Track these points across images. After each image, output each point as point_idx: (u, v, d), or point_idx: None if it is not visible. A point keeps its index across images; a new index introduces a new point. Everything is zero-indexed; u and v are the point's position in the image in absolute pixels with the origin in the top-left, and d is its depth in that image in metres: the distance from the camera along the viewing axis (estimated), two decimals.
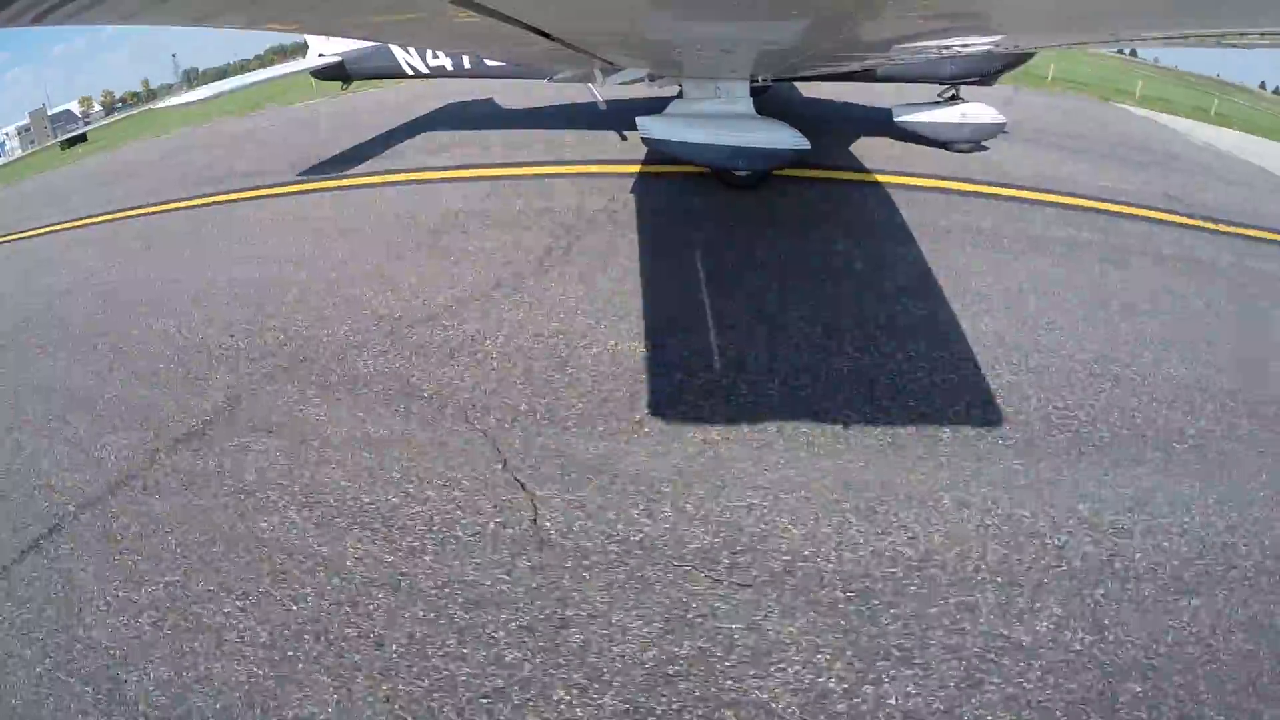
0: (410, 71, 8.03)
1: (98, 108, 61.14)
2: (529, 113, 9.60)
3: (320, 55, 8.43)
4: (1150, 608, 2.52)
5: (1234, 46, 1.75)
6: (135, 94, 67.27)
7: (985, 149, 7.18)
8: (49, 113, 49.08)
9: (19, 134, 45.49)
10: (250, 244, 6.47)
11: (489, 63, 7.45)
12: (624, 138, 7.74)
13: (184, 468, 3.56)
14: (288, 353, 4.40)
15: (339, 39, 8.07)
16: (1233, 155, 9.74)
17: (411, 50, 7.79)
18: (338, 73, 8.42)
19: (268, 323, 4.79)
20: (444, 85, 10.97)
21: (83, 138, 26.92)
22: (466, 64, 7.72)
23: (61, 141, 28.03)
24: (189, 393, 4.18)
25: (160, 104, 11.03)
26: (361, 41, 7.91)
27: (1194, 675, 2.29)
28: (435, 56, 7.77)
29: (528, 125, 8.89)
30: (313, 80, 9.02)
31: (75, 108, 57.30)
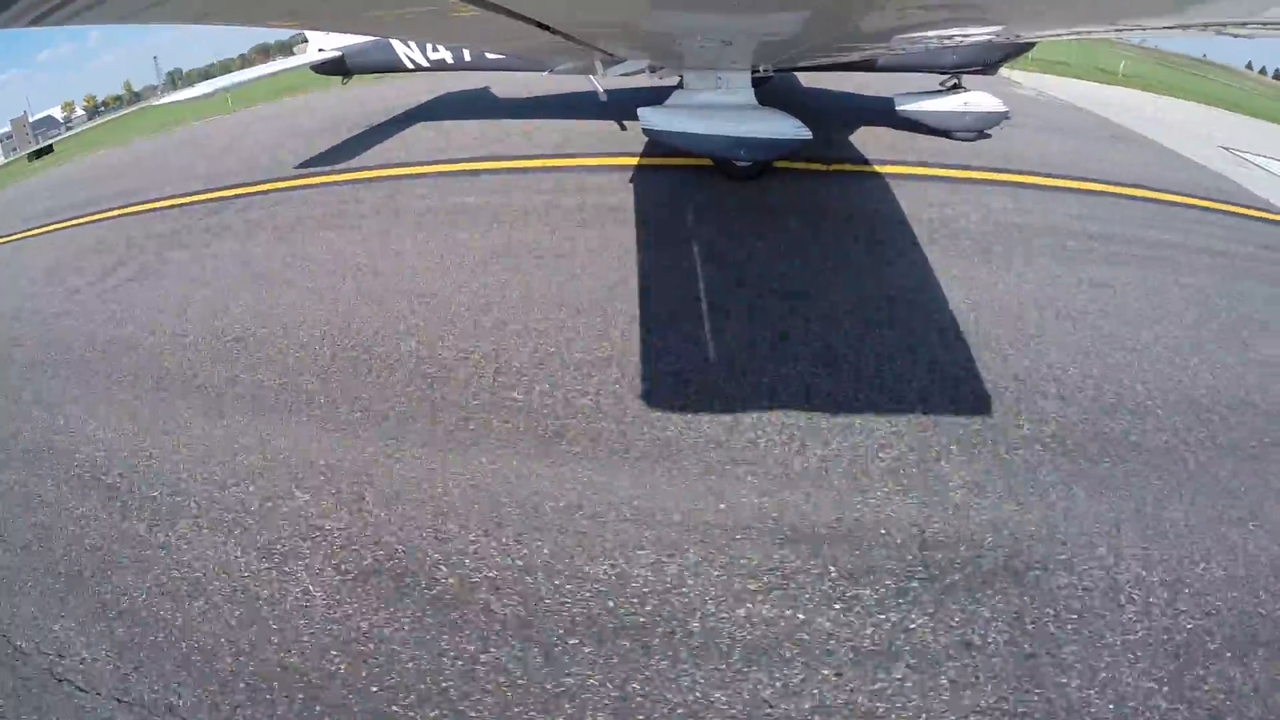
0: (410, 65, 8.02)
1: (80, 112, 60.05)
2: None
3: (320, 50, 8.42)
4: None
5: (1236, 36, 1.76)
6: (118, 97, 66.43)
7: (988, 136, 7.15)
8: (30, 119, 47.88)
9: (0, 142, 44.39)
10: None
11: (489, 56, 7.43)
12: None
13: None
14: None
15: (339, 34, 8.06)
16: (1071, 105, 10.31)
17: (412, 44, 7.77)
18: (338, 67, 8.41)
19: None
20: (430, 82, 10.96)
21: (49, 149, 26.25)
22: (467, 57, 7.70)
23: (29, 154, 27.21)
24: None
25: (167, 99, 10.97)
26: (362, 36, 7.89)
27: None
28: (435, 50, 7.74)
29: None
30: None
31: (58, 113, 56.42)
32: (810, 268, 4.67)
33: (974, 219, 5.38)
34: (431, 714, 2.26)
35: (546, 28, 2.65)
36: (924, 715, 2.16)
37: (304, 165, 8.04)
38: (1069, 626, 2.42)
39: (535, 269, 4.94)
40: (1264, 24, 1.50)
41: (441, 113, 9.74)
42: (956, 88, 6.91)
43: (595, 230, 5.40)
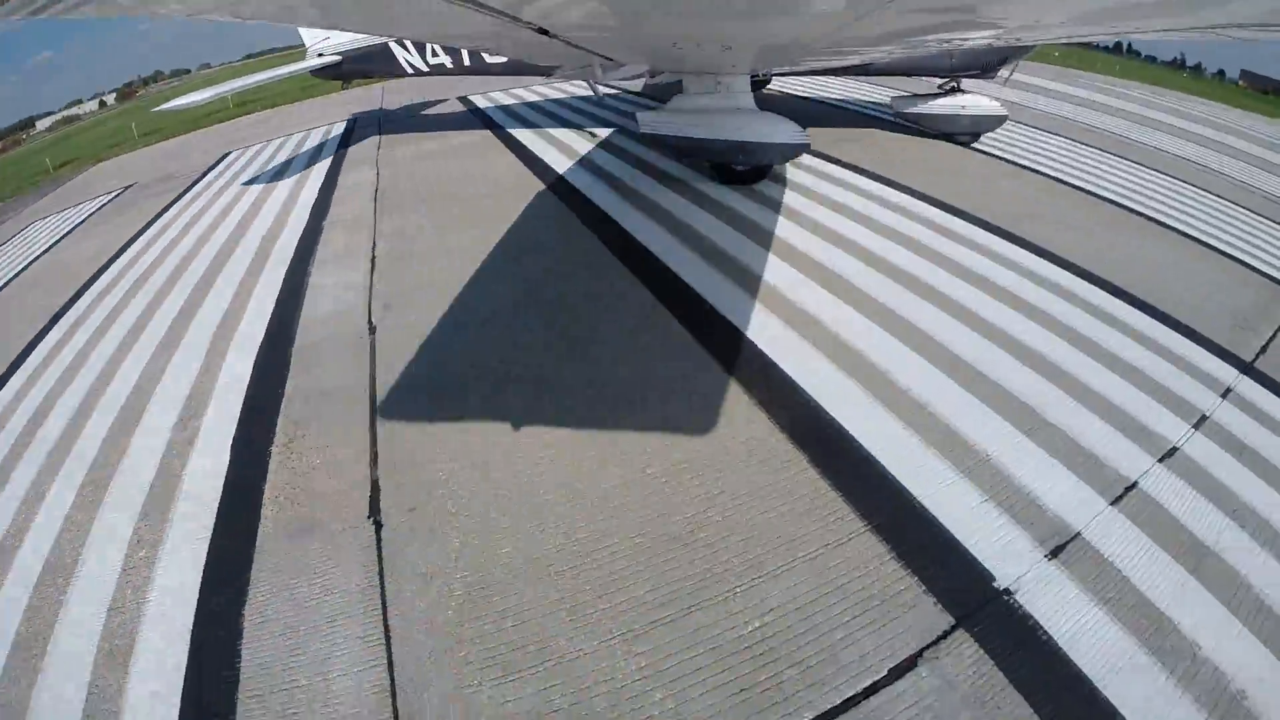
0: (410, 70, 8.04)
1: None
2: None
3: (320, 55, 8.43)
4: None
5: (1231, 39, 1.76)
6: None
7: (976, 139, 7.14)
8: None
9: None
10: None
11: (489, 60, 7.45)
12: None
13: None
14: None
15: (338, 39, 8.08)
16: None
17: (411, 49, 7.79)
18: (336, 73, 8.43)
19: None
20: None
21: None
22: (467, 62, 7.72)
23: None
24: None
25: (166, 106, 10.93)
26: (361, 41, 7.91)
27: None
28: (435, 55, 7.76)
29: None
30: None
31: None
32: None
33: None
34: None
35: (545, 32, 2.66)
36: None
37: None
38: None
39: None
40: (1262, 25, 1.49)
41: None
42: (955, 90, 6.92)
43: None
